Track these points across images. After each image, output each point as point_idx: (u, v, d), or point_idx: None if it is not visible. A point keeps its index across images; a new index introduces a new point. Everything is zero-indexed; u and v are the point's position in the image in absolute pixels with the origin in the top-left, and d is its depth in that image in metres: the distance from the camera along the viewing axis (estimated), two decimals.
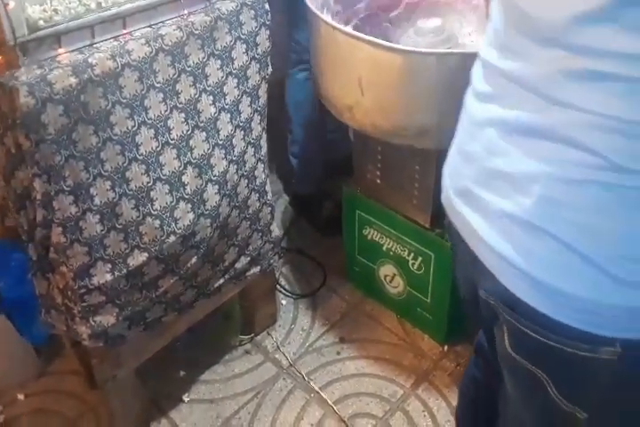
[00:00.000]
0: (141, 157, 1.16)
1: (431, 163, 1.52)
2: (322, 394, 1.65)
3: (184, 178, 1.24)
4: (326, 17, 1.28)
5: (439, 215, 1.58)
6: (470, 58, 1.23)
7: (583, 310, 0.64)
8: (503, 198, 0.67)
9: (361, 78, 1.30)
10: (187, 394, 1.67)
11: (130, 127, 1.11)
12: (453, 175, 0.78)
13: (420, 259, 1.69)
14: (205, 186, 1.29)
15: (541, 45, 0.61)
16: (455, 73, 1.21)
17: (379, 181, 1.67)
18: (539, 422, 0.81)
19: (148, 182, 1.19)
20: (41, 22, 0.97)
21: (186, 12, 1.15)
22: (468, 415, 1.31)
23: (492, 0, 0.72)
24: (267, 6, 1.26)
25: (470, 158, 0.73)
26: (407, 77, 1.27)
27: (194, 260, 1.36)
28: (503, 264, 0.68)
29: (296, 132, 1.92)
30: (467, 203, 0.74)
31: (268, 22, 1.27)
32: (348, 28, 1.29)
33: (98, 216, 1.15)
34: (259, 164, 1.43)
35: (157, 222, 1.23)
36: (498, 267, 0.70)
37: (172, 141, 1.19)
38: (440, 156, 1.45)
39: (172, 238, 1.27)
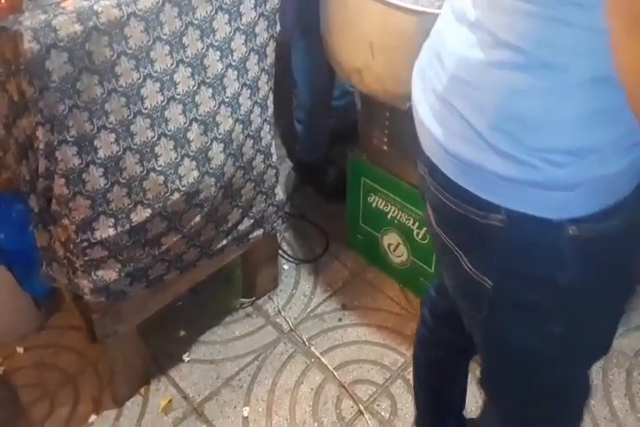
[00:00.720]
0: (146, 111, 1.15)
1: None
2: (322, 359, 1.66)
3: (189, 135, 1.23)
4: None
5: None
6: None
7: (479, 177, 0.73)
8: (435, 77, 0.77)
9: (372, 40, 1.28)
10: (187, 354, 1.68)
11: (135, 79, 1.10)
12: (418, 61, 0.87)
13: (424, 228, 1.67)
14: (211, 144, 1.28)
15: None
16: None
17: (385, 147, 1.65)
18: (459, 292, 0.92)
19: (152, 137, 1.18)
20: None
21: None
22: (421, 383, 1.36)
23: None
24: None
25: (430, 45, 0.83)
26: (421, 40, 1.24)
27: (197, 218, 1.35)
28: (429, 136, 0.78)
29: (301, 98, 1.89)
30: (418, 82, 0.84)
31: None
32: None
33: (101, 169, 1.14)
34: (265, 124, 1.41)
35: (161, 178, 1.22)
36: (425, 138, 0.80)
37: (178, 96, 1.18)
38: None
39: (176, 195, 1.26)
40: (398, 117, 1.56)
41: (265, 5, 1.26)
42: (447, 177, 0.76)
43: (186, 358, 1.67)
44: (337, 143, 1.97)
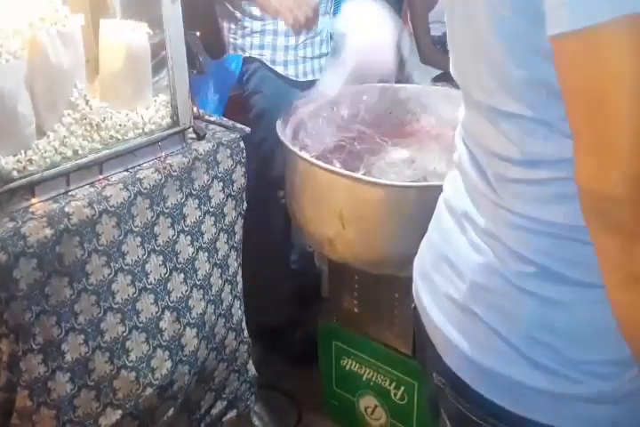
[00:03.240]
0: (117, 306, 1.08)
1: (411, 289, 1.49)
2: None
3: (161, 324, 1.16)
4: (305, 154, 1.28)
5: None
6: None
7: (507, 389, 0.67)
8: (448, 282, 0.73)
9: (342, 212, 1.28)
10: None
11: (106, 275, 1.05)
12: (419, 260, 0.84)
13: (402, 388, 1.60)
14: (183, 330, 1.21)
15: (486, 156, 0.69)
16: (436, 202, 1.23)
17: (356, 309, 1.61)
18: None
19: (123, 332, 1.10)
20: (14, 173, 0.92)
21: (163, 154, 1.12)
22: None
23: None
24: (242, 144, 1.25)
25: (432, 246, 0.80)
26: (389, 210, 1.26)
27: (170, 412, 1.24)
28: (447, 344, 0.73)
29: (263, 269, 1.85)
30: (425, 285, 0.79)
31: (243, 160, 1.26)
32: (328, 165, 1.28)
33: (68, 374, 1.04)
34: (235, 301, 1.36)
35: (133, 375, 1.13)
36: (442, 346, 0.74)
37: (150, 286, 1.13)
38: None
39: (149, 391, 1.16)
40: (367, 280, 1.55)
41: (232, 186, 1.25)
42: (470, 387, 0.70)
43: None
44: (300, 304, 1.92)
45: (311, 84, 1.60)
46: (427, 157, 1.61)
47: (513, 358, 0.66)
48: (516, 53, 0.59)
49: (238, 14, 1.50)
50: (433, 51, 2.29)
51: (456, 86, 1.74)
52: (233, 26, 1.52)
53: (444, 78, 2.42)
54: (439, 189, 1.23)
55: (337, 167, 1.29)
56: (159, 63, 1.12)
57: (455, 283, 0.72)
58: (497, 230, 0.66)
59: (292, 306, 1.94)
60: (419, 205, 1.25)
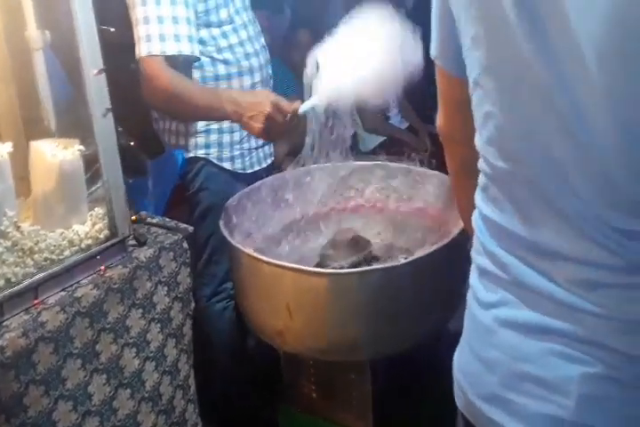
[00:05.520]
0: None
1: (365, 370, 1.47)
2: None
3: None
4: (249, 249, 1.25)
5: (382, 420, 1.50)
6: (390, 271, 1.26)
7: None
8: (540, 401, 0.67)
9: (288, 303, 1.26)
10: None
11: (45, 406, 0.98)
12: (473, 382, 0.76)
13: None
14: None
15: (555, 266, 0.65)
16: (379, 286, 1.24)
17: (314, 395, 1.57)
18: None
19: None
20: None
21: (102, 267, 1.07)
22: None
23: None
24: (185, 245, 1.21)
25: (492, 365, 0.73)
26: (334, 297, 1.25)
27: None
28: None
29: (220, 361, 1.78)
30: (497, 407, 0.72)
31: (187, 260, 1.22)
32: (270, 258, 1.26)
33: None
34: (189, 405, 1.30)
35: None
36: None
37: (94, 408, 1.07)
38: (373, 363, 1.43)
39: None
40: (323, 365, 1.51)
41: (178, 288, 1.21)
42: None
43: None
44: (260, 390, 1.85)
45: (257, 174, 1.58)
46: (371, 232, 1.62)
47: None
48: None
49: None
50: (376, 119, 2.32)
51: (392, 159, 1.65)
52: (173, 126, 1.45)
53: (390, 145, 2.46)
54: (380, 271, 1.25)
55: (279, 260, 1.27)
56: (94, 174, 1.08)
57: (553, 400, 0.67)
58: (596, 338, 0.63)
59: (254, 393, 1.88)
60: (364, 289, 1.24)
